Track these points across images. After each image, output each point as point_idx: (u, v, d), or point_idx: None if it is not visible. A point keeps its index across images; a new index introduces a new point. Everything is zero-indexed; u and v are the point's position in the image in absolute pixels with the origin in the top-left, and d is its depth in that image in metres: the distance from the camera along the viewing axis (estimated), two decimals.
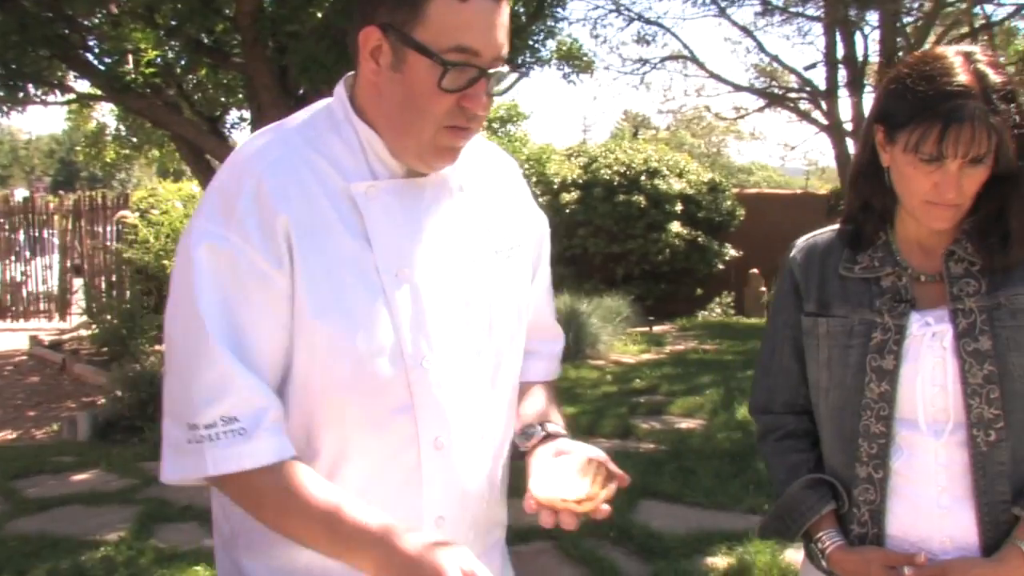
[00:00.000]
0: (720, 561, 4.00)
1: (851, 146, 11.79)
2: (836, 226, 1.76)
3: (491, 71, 1.26)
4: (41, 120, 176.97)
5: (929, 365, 1.58)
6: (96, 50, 7.09)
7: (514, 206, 1.50)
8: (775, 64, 15.37)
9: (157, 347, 8.55)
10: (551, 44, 9.22)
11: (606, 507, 1.27)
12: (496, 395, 1.41)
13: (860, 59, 12.08)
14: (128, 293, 10.15)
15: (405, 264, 1.30)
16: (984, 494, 1.56)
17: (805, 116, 13.32)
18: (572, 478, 1.31)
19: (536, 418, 1.47)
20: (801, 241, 1.80)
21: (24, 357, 10.32)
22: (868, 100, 12.41)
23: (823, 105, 12.34)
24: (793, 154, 54.12)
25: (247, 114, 8.13)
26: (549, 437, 1.43)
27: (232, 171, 1.28)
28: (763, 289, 13.48)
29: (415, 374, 1.29)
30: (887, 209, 1.66)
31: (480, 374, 1.38)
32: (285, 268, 1.24)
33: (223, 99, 8.30)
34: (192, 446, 1.21)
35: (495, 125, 16.70)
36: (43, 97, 7.59)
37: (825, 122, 12.26)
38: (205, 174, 7.03)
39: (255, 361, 1.24)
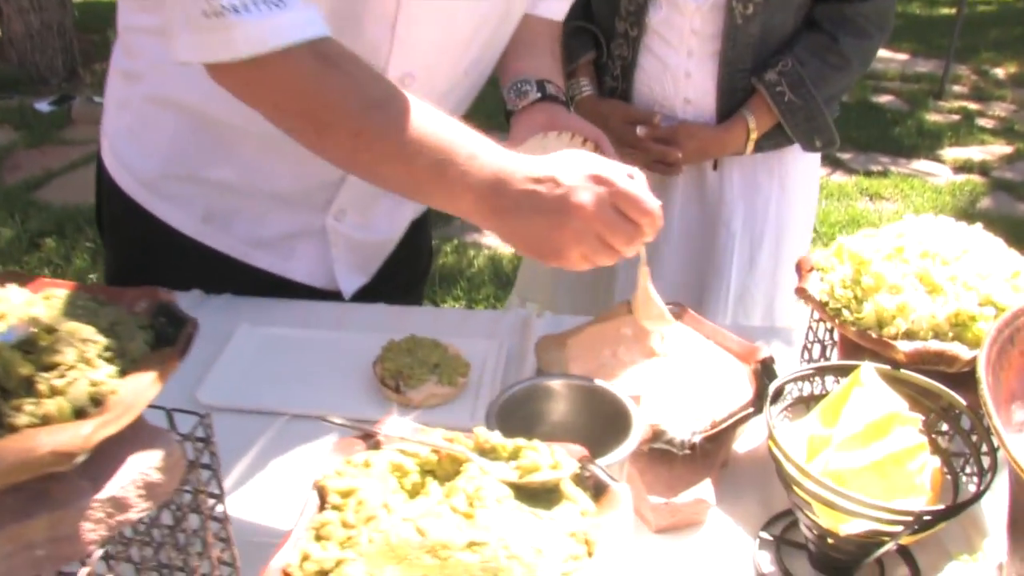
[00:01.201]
0: None
1: None
2: None
3: None
4: None
5: None
6: None
7: None
8: None
9: None
10: None
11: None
12: (487, 36, 1.23)
13: None
14: None
15: None
16: (728, 63, 1.60)
17: None
18: None
19: (534, 72, 1.26)
20: None
21: None
22: None
23: None
24: None
25: None
26: (545, 100, 1.23)
27: None
28: None
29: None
30: None
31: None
32: None
33: None
34: (211, 21, 0.94)
35: None
36: None
37: None
38: None
39: None
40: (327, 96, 0.95)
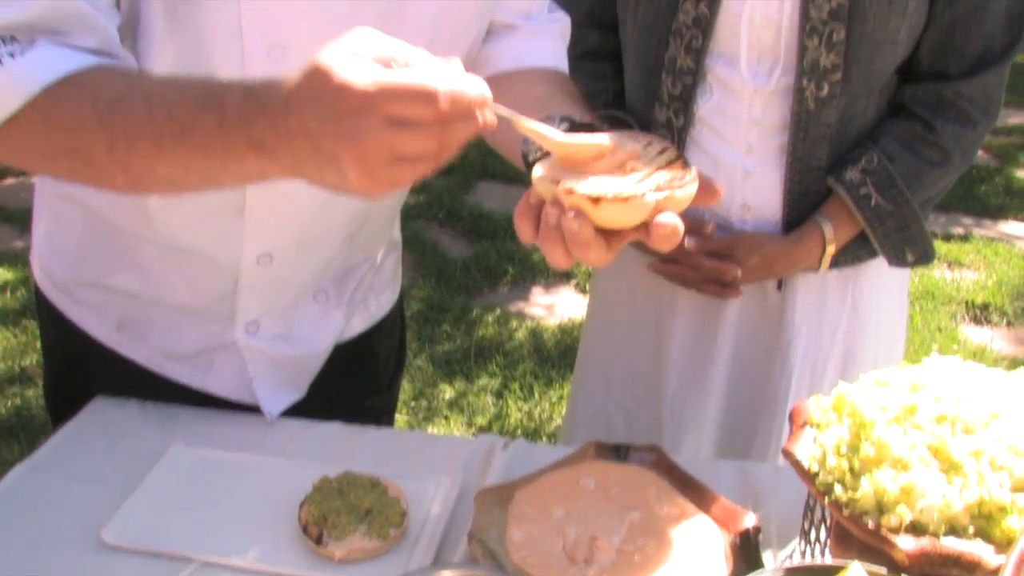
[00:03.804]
0: None
1: None
2: None
3: None
4: None
5: None
6: None
7: None
8: None
9: None
10: None
11: (669, 220, 0.76)
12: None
13: None
14: None
15: None
16: (798, 159, 1.32)
17: None
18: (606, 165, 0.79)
19: (542, 109, 0.94)
20: None
21: None
22: None
23: None
24: None
25: None
26: (576, 130, 0.88)
27: None
28: None
29: (255, 65, 0.96)
30: None
31: None
32: None
33: None
34: None
35: None
36: None
37: None
38: None
39: None
40: (64, 121, 0.82)
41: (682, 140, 1.37)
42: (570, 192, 0.75)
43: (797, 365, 1.43)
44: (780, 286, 1.43)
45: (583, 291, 3.81)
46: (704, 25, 1.30)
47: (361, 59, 0.70)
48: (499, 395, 3.12)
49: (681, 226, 0.75)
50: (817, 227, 1.35)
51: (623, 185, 0.75)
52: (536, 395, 3.12)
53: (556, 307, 3.71)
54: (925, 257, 1.40)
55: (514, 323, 3.55)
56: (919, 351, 3.37)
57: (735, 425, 1.48)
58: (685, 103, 1.35)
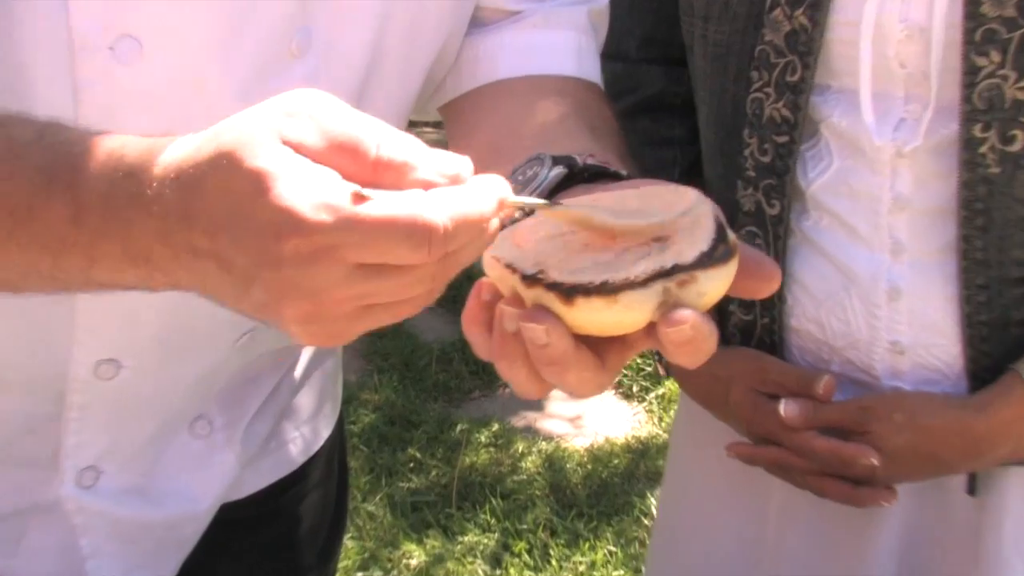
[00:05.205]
0: None
1: None
2: None
3: None
4: None
5: None
6: None
7: None
8: None
9: None
10: None
11: (685, 318, 0.50)
12: None
13: None
14: None
15: None
16: (979, 264, 0.93)
17: None
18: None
19: (543, 143, 0.76)
20: None
21: None
22: None
23: None
24: None
25: None
26: (577, 178, 0.71)
27: None
28: None
29: (93, 65, 0.72)
30: None
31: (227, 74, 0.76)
32: None
33: None
34: None
35: None
36: None
37: None
38: None
39: None
40: None
41: (783, 235, 1.00)
42: (532, 283, 0.53)
43: None
44: (972, 488, 1.04)
45: (628, 395, 3.17)
46: (803, 45, 0.95)
47: (305, 165, 0.49)
48: (496, 561, 2.53)
49: (707, 326, 0.52)
50: (1020, 381, 0.96)
51: (615, 267, 0.53)
52: (553, 561, 2.51)
53: (585, 420, 3.07)
54: None
55: (520, 445, 2.91)
56: None
57: None
58: (780, 177, 1.00)
